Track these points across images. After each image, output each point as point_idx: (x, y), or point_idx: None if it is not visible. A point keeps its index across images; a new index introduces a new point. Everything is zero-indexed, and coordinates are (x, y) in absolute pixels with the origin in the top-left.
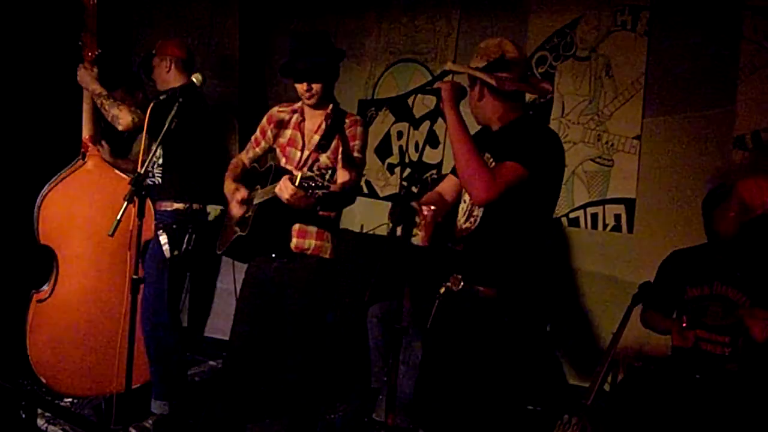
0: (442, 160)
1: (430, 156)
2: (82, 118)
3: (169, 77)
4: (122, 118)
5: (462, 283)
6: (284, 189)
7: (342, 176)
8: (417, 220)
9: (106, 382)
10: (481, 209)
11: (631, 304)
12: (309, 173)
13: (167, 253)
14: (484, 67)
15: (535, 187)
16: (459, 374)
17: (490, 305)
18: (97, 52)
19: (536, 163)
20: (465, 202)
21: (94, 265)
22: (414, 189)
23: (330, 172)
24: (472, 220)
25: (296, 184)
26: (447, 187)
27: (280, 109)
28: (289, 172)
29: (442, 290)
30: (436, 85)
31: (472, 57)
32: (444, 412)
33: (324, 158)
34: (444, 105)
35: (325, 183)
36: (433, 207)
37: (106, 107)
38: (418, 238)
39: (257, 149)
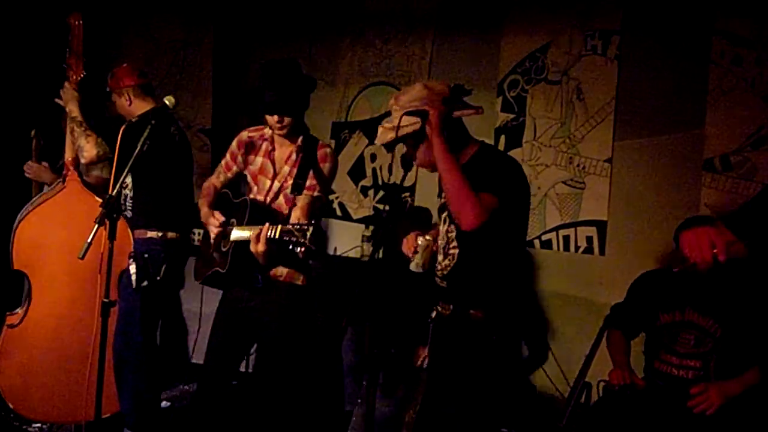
0: (415, 182)
1: (404, 178)
2: (65, 142)
3: (133, 108)
4: (87, 150)
5: (451, 308)
6: (259, 242)
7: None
8: (420, 243)
9: (78, 408)
10: (456, 247)
11: (604, 326)
12: (288, 227)
13: (134, 284)
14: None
15: (507, 215)
16: (459, 396)
17: (480, 326)
18: (82, 75)
19: (506, 193)
20: (439, 240)
21: (67, 290)
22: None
23: (309, 229)
24: (450, 257)
25: (275, 236)
26: None
27: (250, 134)
28: (266, 209)
29: (434, 314)
30: (425, 108)
31: (408, 107)
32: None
33: (302, 199)
34: (432, 130)
35: (306, 242)
36: (428, 236)
37: (76, 135)
38: (418, 264)
39: (228, 174)
